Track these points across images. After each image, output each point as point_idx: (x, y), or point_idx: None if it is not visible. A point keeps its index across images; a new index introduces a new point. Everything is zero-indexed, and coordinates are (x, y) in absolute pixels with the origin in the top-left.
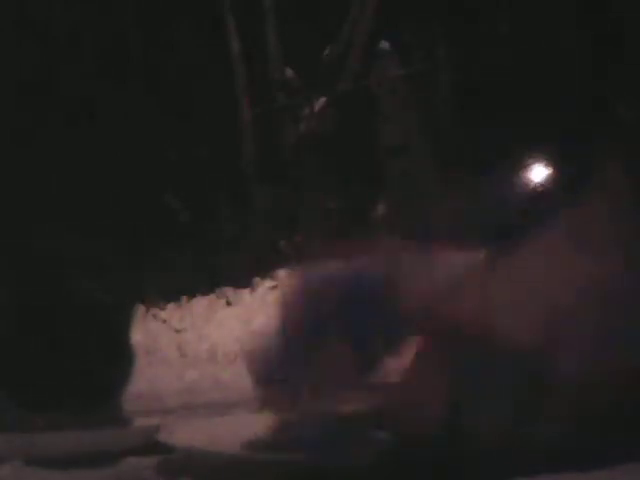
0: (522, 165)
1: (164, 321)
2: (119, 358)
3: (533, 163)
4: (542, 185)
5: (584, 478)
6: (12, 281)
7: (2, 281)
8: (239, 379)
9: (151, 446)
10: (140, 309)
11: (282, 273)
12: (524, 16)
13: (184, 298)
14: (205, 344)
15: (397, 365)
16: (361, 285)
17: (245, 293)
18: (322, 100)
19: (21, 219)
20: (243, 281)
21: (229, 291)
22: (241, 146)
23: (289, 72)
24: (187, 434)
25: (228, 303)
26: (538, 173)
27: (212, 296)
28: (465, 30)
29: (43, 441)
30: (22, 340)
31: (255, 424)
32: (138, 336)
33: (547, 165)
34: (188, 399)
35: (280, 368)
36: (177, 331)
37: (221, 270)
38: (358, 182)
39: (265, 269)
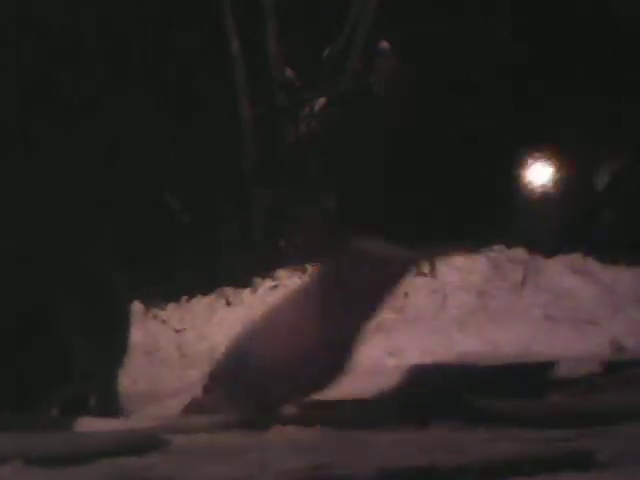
0: (522, 164)
1: (164, 321)
2: (117, 357)
3: (533, 163)
4: (542, 184)
5: (584, 478)
6: (10, 281)
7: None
8: None
9: (151, 446)
10: (140, 309)
11: (282, 273)
12: (524, 15)
13: (184, 298)
14: (205, 344)
15: None
16: None
17: (245, 293)
18: (322, 100)
19: (20, 219)
20: (243, 281)
21: (229, 291)
22: (241, 146)
23: (289, 72)
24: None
25: (228, 303)
26: (538, 172)
27: (212, 296)
28: (465, 30)
29: (43, 441)
30: (19, 340)
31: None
32: (138, 336)
33: (546, 164)
34: (188, 399)
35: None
36: (177, 331)
37: (221, 270)
38: (358, 182)
39: (265, 269)
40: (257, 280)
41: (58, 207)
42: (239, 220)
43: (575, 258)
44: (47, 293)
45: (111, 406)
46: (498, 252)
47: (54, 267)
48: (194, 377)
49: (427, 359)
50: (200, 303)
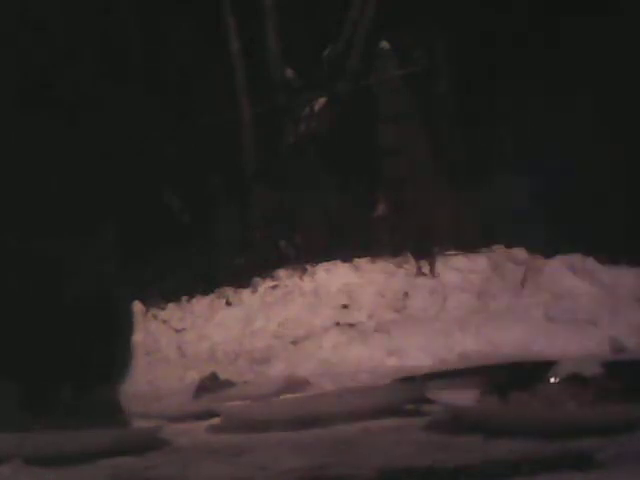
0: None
1: (164, 321)
2: (118, 357)
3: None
4: (542, 184)
5: (584, 478)
6: (11, 281)
7: (1, 281)
8: (239, 379)
9: (151, 446)
10: (140, 309)
11: (282, 273)
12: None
13: (184, 298)
14: (205, 344)
15: None
16: None
17: (245, 293)
18: (322, 100)
19: (21, 219)
20: (243, 281)
21: (229, 291)
22: (241, 146)
23: (289, 72)
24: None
25: (228, 303)
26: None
27: (212, 296)
28: (464, 29)
29: (43, 441)
30: (22, 339)
31: None
32: (138, 336)
33: (546, 164)
34: (188, 399)
35: None
36: (177, 331)
37: (221, 270)
38: (358, 182)
39: (265, 269)
40: (257, 280)
41: (59, 207)
42: (239, 220)
43: (575, 258)
44: (53, 292)
45: (112, 406)
46: (498, 252)
47: (58, 267)
48: (194, 377)
49: (427, 359)
50: (200, 303)
